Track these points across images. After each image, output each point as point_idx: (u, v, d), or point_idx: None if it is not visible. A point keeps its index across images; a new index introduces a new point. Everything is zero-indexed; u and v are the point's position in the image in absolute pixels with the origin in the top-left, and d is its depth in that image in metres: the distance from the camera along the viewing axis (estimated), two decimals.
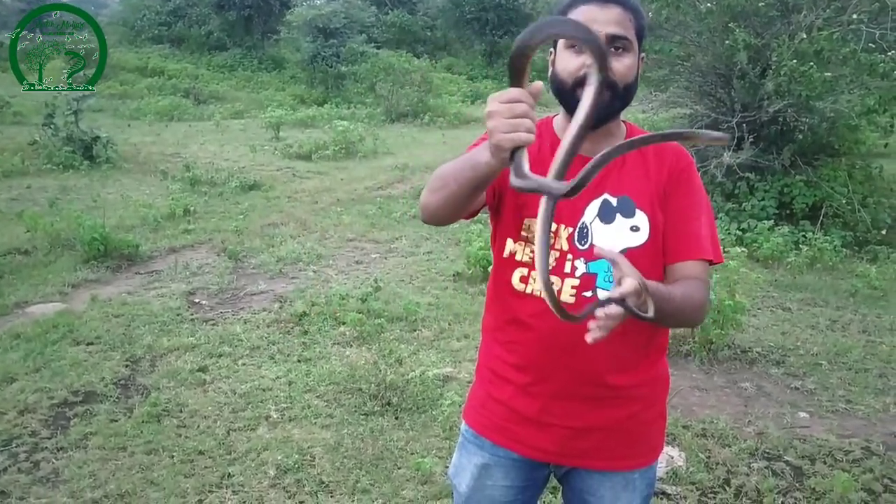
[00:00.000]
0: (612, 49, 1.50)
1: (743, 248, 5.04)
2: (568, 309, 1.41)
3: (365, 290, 5.33)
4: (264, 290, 5.62)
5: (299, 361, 4.33)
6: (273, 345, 4.56)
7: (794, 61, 6.45)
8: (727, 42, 6.79)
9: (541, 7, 28.24)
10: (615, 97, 1.53)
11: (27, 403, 3.73)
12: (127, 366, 4.23)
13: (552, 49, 1.61)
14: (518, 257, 1.64)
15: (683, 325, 1.80)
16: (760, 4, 6.82)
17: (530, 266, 1.62)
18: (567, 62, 1.54)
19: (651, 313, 1.32)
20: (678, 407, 3.79)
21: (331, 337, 4.68)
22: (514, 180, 1.16)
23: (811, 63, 6.41)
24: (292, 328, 4.82)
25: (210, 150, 12.05)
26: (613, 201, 1.59)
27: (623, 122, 1.67)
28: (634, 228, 1.58)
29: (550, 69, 1.60)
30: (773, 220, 6.60)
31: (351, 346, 4.56)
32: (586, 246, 1.58)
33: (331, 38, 19.35)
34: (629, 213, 1.58)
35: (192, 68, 22.70)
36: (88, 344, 4.48)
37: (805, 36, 6.64)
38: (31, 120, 12.70)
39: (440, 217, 1.56)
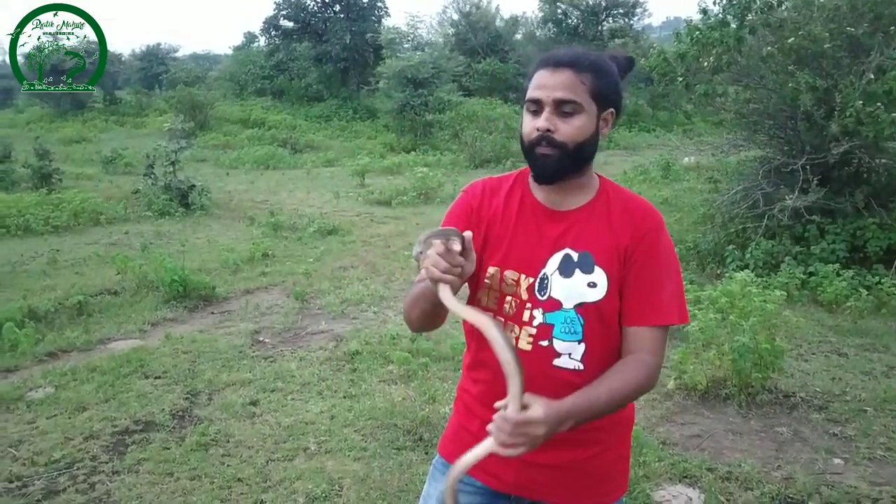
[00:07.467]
0: (561, 113, 1.61)
1: (784, 292, 4.91)
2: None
3: None
4: (325, 329, 5.90)
5: (345, 397, 4.55)
6: (323, 381, 4.80)
7: (861, 102, 6.31)
8: (790, 84, 6.71)
9: (633, 51, 28.25)
10: (564, 156, 1.62)
11: (92, 430, 4.09)
12: (186, 398, 4.56)
13: (523, 109, 1.73)
14: (483, 302, 1.76)
15: (627, 403, 1.71)
16: (826, 46, 6.72)
17: (494, 311, 1.73)
18: (525, 124, 1.67)
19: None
20: (707, 450, 3.77)
21: (378, 375, 4.88)
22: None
23: (879, 104, 6.27)
24: (343, 366, 5.05)
25: (297, 196, 12.65)
26: (574, 256, 1.67)
27: (599, 176, 1.75)
28: (592, 284, 1.65)
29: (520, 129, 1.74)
30: (840, 264, 6.40)
31: (396, 383, 4.74)
32: (545, 297, 1.67)
33: (420, 87, 19.98)
34: (588, 269, 1.66)
35: (291, 119, 23.89)
36: (156, 378, 4.85)
37: (873, 77, 6.49)
38: (138, 170, 13.68)
39: (423, 327, 1.77)
